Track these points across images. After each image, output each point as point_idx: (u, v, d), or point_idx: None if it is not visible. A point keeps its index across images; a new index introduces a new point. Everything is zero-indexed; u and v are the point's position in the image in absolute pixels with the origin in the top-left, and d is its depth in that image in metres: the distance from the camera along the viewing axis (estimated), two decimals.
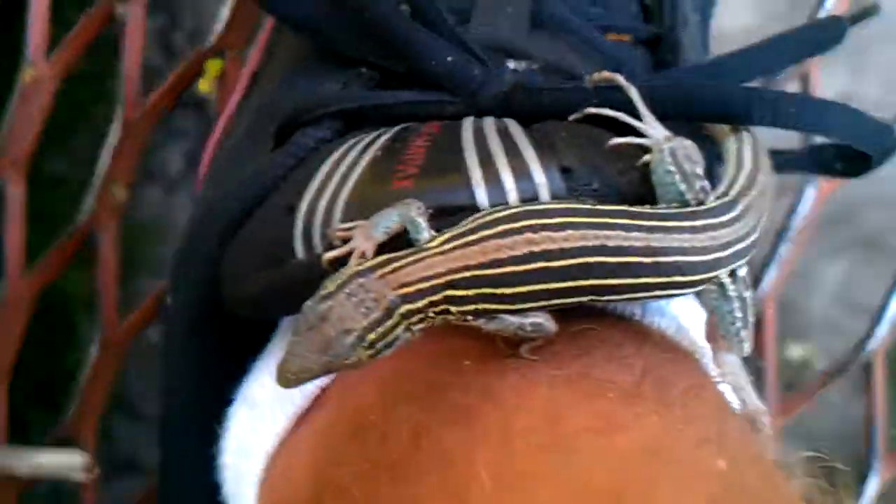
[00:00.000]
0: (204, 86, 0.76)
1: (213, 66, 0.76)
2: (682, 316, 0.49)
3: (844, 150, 0.52)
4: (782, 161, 0.51)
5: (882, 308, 0.82)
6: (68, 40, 0.75)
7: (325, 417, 0.48)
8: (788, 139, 0.51)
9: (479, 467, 0.37)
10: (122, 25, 0.76)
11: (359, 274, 0.41)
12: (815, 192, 0.81)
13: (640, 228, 0.41)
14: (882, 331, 0.82)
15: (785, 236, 0.81)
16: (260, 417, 0.51)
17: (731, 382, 0.47)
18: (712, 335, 0.48)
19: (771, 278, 0.81)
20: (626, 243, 0.41)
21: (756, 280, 0.78)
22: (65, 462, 0.79)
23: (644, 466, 0.37)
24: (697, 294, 0.45)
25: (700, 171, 0.44)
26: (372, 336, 0.40)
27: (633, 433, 0.39)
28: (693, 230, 0.42)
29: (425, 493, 0.38)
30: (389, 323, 0.41)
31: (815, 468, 0.41)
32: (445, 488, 0.38)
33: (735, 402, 0.47)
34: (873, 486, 0.80)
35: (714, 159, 0.50)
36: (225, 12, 0.77)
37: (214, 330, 0.54)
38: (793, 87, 0.81)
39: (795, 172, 0.53)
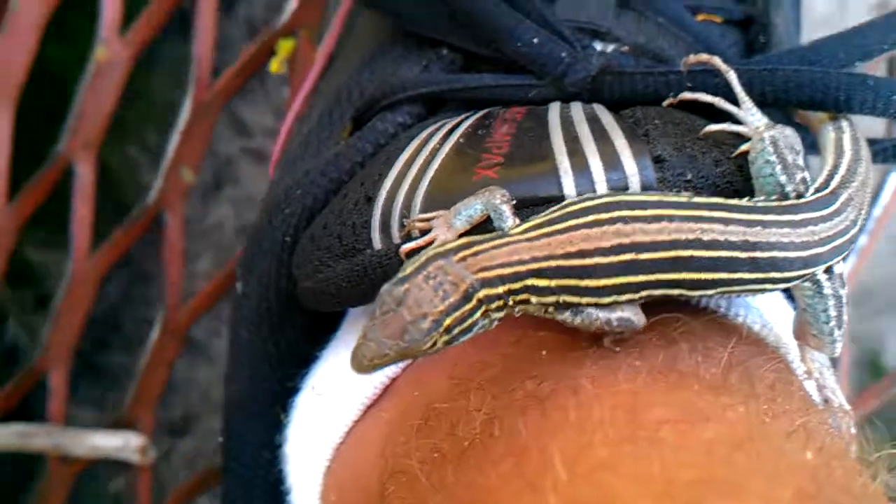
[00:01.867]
0: (275, 66, 0.75)
1: (285, 46, 0.75)
2: (768, 311, 0.48)
3: None
4: (874, 151, 0.49)
5: None
6: (142, 19, 0.75)
7: (395, 408, 0.47)
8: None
9: (555, 457, 0.36)
10: (194, 4, 0.75)
11: (438, 256, 0.40)
12: None
13: (737, 222, 0.40)
14: None
15: (864, 225, 0.77)
16: (327, 407, 0.50)
17: (817, 380, 0.46)
18: (801, 332, 0.46)
19: (848, 267, 0.78)
20: (721, 237, 0.39)
21: None
22: (121, 444, 0.79)
23: (731, 458, 0.35)
24: (790, 290, 0.43)
25: (801, 161, 0.43)
26: (448, 320, 0.39)
27: (719, 425, 0.37)
28: (792, 224, 0.41)
29: (496, 481, 0.37)
30: (467, 307, 0.39)
31: None
32: (519, 477, 0.37)
33: (819, 400, 0.46)
34: None
35: (808, 149, 0.48)
36: None
37: (284, 318, 0.53)
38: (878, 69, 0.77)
39: (887, 163, 0.50)
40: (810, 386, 0.46)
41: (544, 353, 0.42)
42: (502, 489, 0.37)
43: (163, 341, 0.79)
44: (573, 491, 0.35)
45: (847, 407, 0.47)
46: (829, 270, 0.43)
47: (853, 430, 0.47)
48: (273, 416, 0.54)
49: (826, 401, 0.46)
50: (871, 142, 0.49)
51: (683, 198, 0.40)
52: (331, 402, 0.50)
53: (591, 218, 0.39)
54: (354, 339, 0.41)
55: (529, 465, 0.37)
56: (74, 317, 0.78)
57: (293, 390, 0.53)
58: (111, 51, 0.73)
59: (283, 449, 0.54)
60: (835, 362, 0.47)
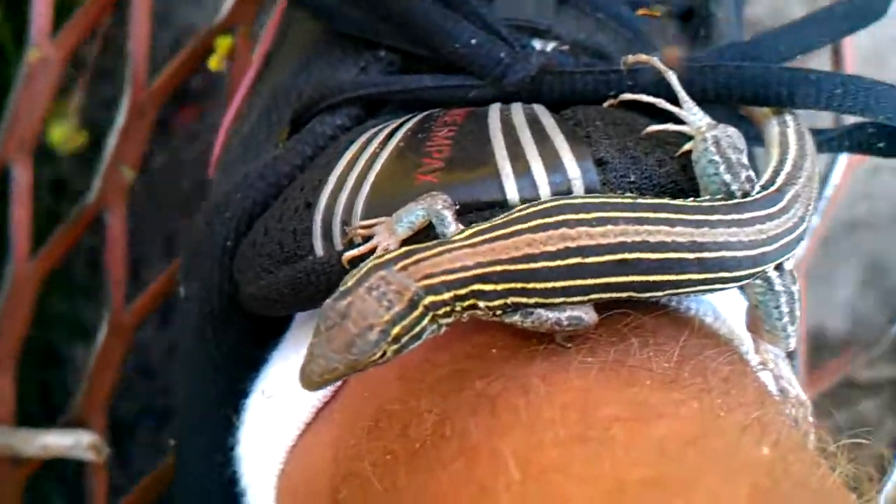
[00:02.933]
0: (214, 63, 0.74)
1: (223, 43, 0.74)
2: (720, 303, 0.48)
3: (886, 128, 0.50)
4: (820, 142, 0.49)
5: None
6: (73, 21, 0.73)
7: (347, 410, 0.47)
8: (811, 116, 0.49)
9: (507, 458, 0.35)
10: (127, 5, 0.74)
11: (379, 266, 0.39)
12: (846, 162, 0.78)
13: (684, 223, 0.39)
14: None
15: (815, 207, 0.78)
16: (278, 409, 0.50)
17: (772, 371, 0.46)
18: (754, 325, 0.46)
19: (801, 250, 0.78)
20: (668, 239, 0.39)
21: None
22: (72, 442, 0.78)
23: (684, 456, 0.35)
24: (742, 288, 0.43)
25: (745, 159, 0.42)
26: (396, 330, 0.39)
27: (672, 421, 0.37)
28: (739, 224, 0.40)
29: (448, 482, 0.37)
30: (414, 315, 0.39)
31: (859, 454, 0.40)
32: (471, 478, 0.36)
33: (775, 391, 0.46)
34: None
35: (752, 140, 0.48)
36: None
37: (227, 322, 0.52)
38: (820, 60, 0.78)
39: (834, 152, 0.50)
40: (766, 377, 0.46)
41: (494, 351, 0.42)
42: (454, 491, 0.37)
43: (110, 342, 0.78)
44: (525, 492, 0.34)
45: (804, 397, 0.47)
46: (779, 267, 0.43)
47: (811, 420, 0.47)
48: (223, 418, 0.53)
49: (782, 391, 0.46)
50: (817, 132, 0.49)
51: (628, 199, 0.40)
52: (282, 404, 0.49)
53: (535, 223, 0.39)
54: (303, 341, 0.41)
55: (480, 467, 0.36)
56: (17, 321, 0.77)
57: (244, 393, 0.52)
58: (43, 52, 0.72)
59: (236, 451, 0.53)
60: (791, 353, 0.47)
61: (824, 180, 0.77)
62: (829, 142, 0.50)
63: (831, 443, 0.40)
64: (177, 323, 0.58)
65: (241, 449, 0.53)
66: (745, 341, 0.47)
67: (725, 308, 0.48)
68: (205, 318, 0.53)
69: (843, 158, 0.78)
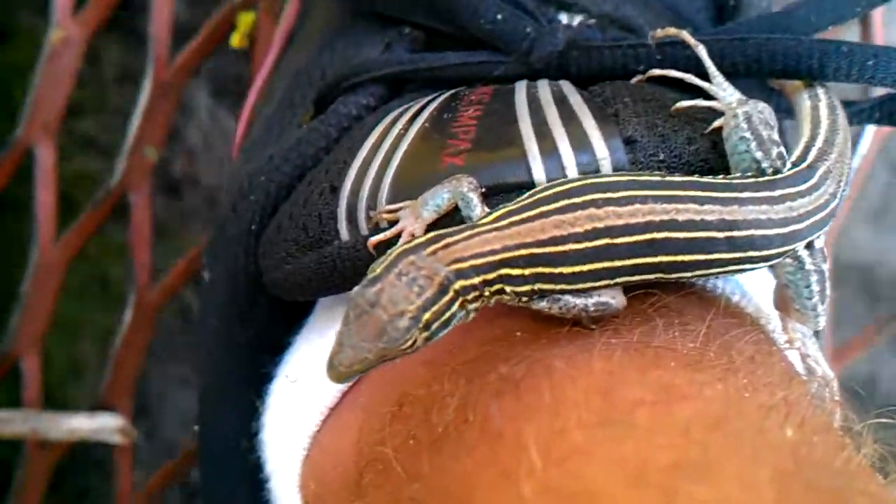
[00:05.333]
0: (236, 41, 0.73)
1: (245, 20, 0.73)
2: (747, 281, 0.47)
3: None
4: (851, 113, 0.48)
5: None
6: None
7: (371, 394, 0.46)
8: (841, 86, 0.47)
9: (529, 442, 0.35)
10: None
11: (408, 251, 0.38)
12: (874, 132, 0.77)
13: (713, 201, 0.39)
14: None
15: (847, 182, 0.76)
16: (303, 394, 0.49)
17: (799, 350, 0.45)
18: (782, 303, 0.45)
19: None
20: (698, 217, 0.38)
21: None
22: (99, 425, 0.78)
23: (707, 439, 0.35)
24: (771, 267, 0.42)
25: (776, 136, 0.41)
26: (427, 315, 0.38)
27: (695, 403, 0.36)
28: (770, 201, 0.39)
29: (471, 467, 0.36)
30: (444, 300, 0.38)
31: (884, 434, 0.39)
32: (493, 463, 0.36)
33: (802, 370, 0.45)
34: None
35: (783, 113, 0.47)
36: None
37: (252, 306, 0.52)
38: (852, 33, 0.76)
39: (864, 123, 0.49)
40: (793, 356, 0.45)
41: (519, 333, 0.41)
42: (477, 477, 0.36)
43: (135, 323, 0.78)
44: (547, 478, 0.34)
45: (831, 375, 0.47)
46: (809, 245, 0.42)
47: (837, 398, 0.47)
48: (248, 403, 0.53)
49: (809, 370, 0.45)
50: (848, 104, 0.48)
51: (656, 177, 0.39)
52: (306, 388, 0.49)
53: (562, 203, 0.38)
54: (328, 325, 0.40)
55: (503, 452, 0.36)
56: (43, 303, 0.77)
57: (268, 377, 0.52)
58: (66, 32, 0.71)
59: (260, 436, 0.53)
60: (818, 332, 0.47)
61: (853, 149, 0.76)
62: (859, 113, 0.49)
63: (857, 422, 0.39)
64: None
65: (266, 434, 0.53)
66: (773, 319, 0.46)
67: (752, 286, 0.47)
68: (229, 303, 0.52)
69: (872, 127, 0.76)
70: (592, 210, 0.38)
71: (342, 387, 0.47)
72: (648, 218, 0.38)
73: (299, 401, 0.50)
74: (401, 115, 0.46)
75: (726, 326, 0.41)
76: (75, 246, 0.76)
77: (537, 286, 0.39)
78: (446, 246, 0.39)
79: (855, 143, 0.76)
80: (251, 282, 0.51)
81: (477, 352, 0.41)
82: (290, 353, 0.52)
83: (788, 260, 0.42)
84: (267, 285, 0.49)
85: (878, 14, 0.75)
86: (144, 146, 0.75)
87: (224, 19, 0.73)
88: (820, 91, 0.45)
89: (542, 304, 0.40)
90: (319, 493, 0.48)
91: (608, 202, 0.38)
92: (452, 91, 0.47)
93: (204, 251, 0.55)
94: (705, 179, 0.40)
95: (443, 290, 0.38)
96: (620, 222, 0.38)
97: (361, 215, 0.44)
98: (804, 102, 0.45)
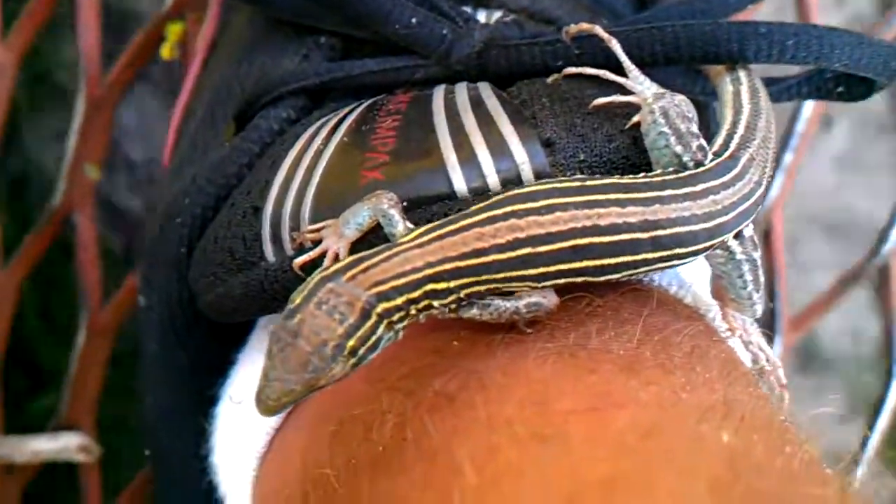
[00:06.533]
0: (166, 52, 0.71)
1: (174, 30, 0.71)
2: (684, 271, 0.46)
3: (845, 74, 0.48)
4: (779, 90, 0.47)
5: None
6: (23, 21, 0.71)
7: (313, 413, 0.45)
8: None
9: (464, 460, 0.34)
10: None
11: (326, 279, 0.38)
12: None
13: (635, 202, 0.38)
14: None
15: (789, 144, 0.76)
16: (247, 415, 0.48)
17: (741, 337, 0.45)
18: (719, 293, 0.45)
19: (777, 187, 0.77)
20: (620, 220, 0.38)
21: None
22: (62, 445, 0.78)
23: (642, 449, 0.34)
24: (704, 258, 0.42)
25: (695, 128, 0.41)
26: (352, 342, 0.37)
27: (629, 411, 0.35)
28: (692, 197, 0.39)
29: (407, 488, 0.36)
30: (368, 325, 0.38)
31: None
32: (429, 484, 0.35)
33: (746, 358, 0.45)
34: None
35: (711, 95, 0.46)
36: None
37: (190, 329, 0.51)
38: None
39: (792, 99, 0.48)
40: (735, 343, 0.45)
41: (455, 343, 0.41)
42: (413, 499, 0.35)
43: (90, 343, 0.77)
44: (482, 500, 0.33)
45: (775, 359, 0.46)
46: (738, 235, 0.41)
47: (784, 382, 0.46)
48: (196, 425, 0.52)
49: (754, 358, 0.45)
50: (772, 81, 0.47)
51: (577, 182, 0.39)
52: (251, 409, 0.48)
53: (483, 216, 0.38)
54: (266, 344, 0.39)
55: (439, 472, 0.35)
56: None
57: (213, 399, 0.51)
58: None
59: (210, 459, 0.52)
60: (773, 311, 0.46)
61: (794, 118, 0.76)
62: (787, 90, 0.48)
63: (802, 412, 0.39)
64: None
65: (216, 457, 0.52)
66: (712, 308, 0.45)
67: (690, 276, 0.47)
68: (167, 327, 0.52)
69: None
70: (514, 221, 0.38)
71: None
72: (571, 225, 0.38)
73: (245, 422, 0.49)
74: (319, 128, 0.45)
75: (664, 322, 0.41)
76: (23, 271, 0.75)
77: (464, 293, 0.39)
78: (365, 269, 0.38)
79: (798, 110, 0.76)
80: (186, 306, 0.50)
81: (413, 365, 0.41)
82: (234, 373, 0.51)
83: (719, 251, 0.41)
84: (201, 308, 0.48)
85: None
86: (84, 164, 0.73)
87: (153, 31, 0.71)
88: (742, 74, 0.44)
89: (473, 312, 0.39)
90: None
91: (529, 212, 0.38)
92: (371, 101, 0.47)
93: (138, 275, 0.54)
94: (626, 180, 0.39)
95: (365, 315, 0.38)
96: (542, 231, 0.38)
97: (285, 235, 0.43)
98: (726, 87, 0.44)
